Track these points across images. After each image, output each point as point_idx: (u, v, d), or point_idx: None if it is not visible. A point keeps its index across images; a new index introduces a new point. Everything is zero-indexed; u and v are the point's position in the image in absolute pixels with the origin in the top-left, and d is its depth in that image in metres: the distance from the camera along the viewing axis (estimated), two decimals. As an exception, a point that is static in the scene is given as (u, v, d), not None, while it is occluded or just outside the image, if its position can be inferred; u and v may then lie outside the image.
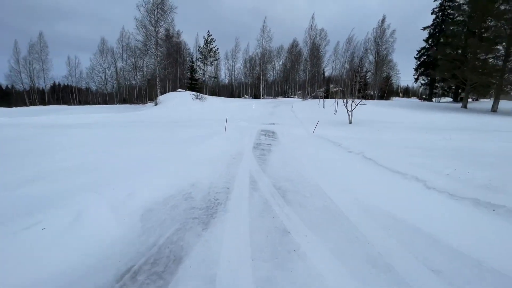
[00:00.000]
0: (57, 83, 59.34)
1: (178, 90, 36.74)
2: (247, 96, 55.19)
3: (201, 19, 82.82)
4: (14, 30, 76.34)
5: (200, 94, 33.02)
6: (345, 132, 10.83)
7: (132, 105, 40.78)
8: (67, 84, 58.48)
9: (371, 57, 58.78)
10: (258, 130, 12.17)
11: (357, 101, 14.91)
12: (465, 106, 27.35)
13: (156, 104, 31.62)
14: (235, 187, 4.11)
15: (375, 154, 5.83)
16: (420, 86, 50.51)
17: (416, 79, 51.17)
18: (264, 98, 51.75)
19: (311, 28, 53.74)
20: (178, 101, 30.48)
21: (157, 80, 38.06)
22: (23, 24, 75.86)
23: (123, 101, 54.99)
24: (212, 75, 54.29)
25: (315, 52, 57.60)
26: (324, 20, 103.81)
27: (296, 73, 63.46)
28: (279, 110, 23.99)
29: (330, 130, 11.48)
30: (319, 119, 16.15)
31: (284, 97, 55.34)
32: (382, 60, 57.37)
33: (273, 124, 15.13)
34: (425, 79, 47.35)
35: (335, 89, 59.54)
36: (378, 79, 57.77)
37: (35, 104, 48.52)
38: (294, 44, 59.97)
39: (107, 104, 51.80)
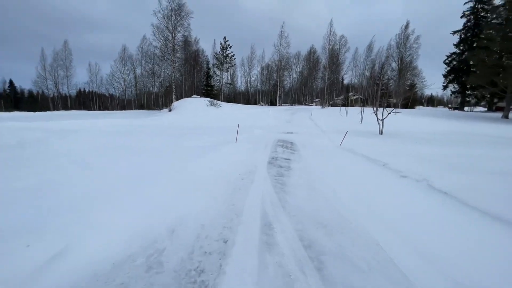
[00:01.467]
0: (80, 89, 61.28)
1: (193, 96, 36.15)
2: (263, 104, 53.97)
3: (220, 27, 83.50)
4: (42, 39, 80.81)
5: (215, 101, 32.10)
6: (380, 145, 9.01)
7: (148, 111, 40.71)
8: (89, 90, 60.21)
9: (394, 64, 56.00)
10: (274, 140, 10.61)
11: (388, 109, 12.97)
12: (506, 116, 24.32)
13: (170, 110, 31.05)
14: (238, 239, 2.55)
15: (451, 183, 4.01)
16: (451, 94, 46.93)
17: (445, 87, 47.68)
18: (281, 105, 50.27)
19: (330, 34, 52.06)
20: (192, 107, 29.70)
21: (173, 86, 37.77)
22: (51, 33, 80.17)
23: (141, 107, 55.66)
24: (228, 82, 53.72)
25: (334, 59, 55.66)
26: (344, 28, 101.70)
27: (314, 81, 61.66)
28: (297, 118, 22.31)
29: (360, 141, 9.69)
30: (343, 128, 14.35)
31: (301, 105, 53.58)
32: (406, 67, 54.36)
33: (291, 133, 13.51)
34: (455, 86, 43.85)
35: (354, 97, 57.08)
36: (402, 87, 54.68)
37: (58, 109, 49.96)
38: (312, 51, 58.41)
39: (125, 109, 52.50)
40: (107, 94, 59.90)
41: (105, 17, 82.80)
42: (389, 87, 61.18)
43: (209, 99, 32.71)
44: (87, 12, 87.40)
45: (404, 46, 53.69)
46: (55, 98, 54.64)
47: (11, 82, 59.51)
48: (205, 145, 9.04)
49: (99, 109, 55.99)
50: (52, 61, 51.75)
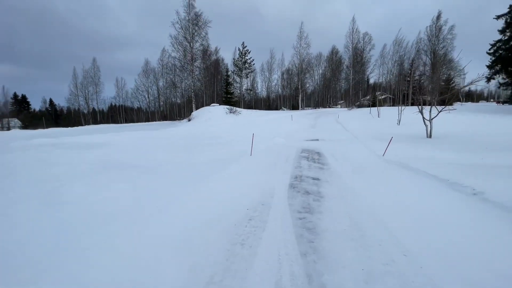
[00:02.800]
0: (108, 104, 64.20)
1: (212, 104, 35.49)
2: (285, 108, 52.16)
3: (240, 36, 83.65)
4: (75, 59, 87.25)
5: (234, 108, 31.03)
6: (438, 154, 6.90)
7: (170, 122, 40.85)
8: (115, 104, 62.77)
9: (425, 59, 51.41)
10: (297, 151, 8.88)
11: (438, 107, 10.63)
12: None
13: (189, 120, 30.54)
14: None
15: None
16: (499, 87, 41.61)
17: (489, 79, 42.32)
18: (303, 109, 48.10)
19: (353, 32, 49.19)
20: (211, 116, 28.85)
21: (193, 96, 37.53)
22: (83, 53, 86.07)
23: (164, 118, 56.70)
24: (248, 88, 52.81)
25: (358, 58, 52.42)
26: (368, 27, 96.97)
27: (337, 82, 58.69)
28: (322, 122, 20.26)
29: (408, 150, 7.64)
30: (379, 132, 12.18)
31: (325, 108, 50.95)
32: (440, 61, 49.55)
33: (317, 140, 11.66)
34: (504, 77, 38.61)
35: (382, 97, 53.22)
36: (436, 83, 49.75)
37: (89, 124, 52.37)
38: (334, 51, 55.69)
39: (149, 121, 53.72)
40: (133, 107, 62.08)
41: (132, 35, 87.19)
42: (422, 83, 56.40)
43: (228, 106, 31.74)
44: (116, 32, 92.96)
45: (437, 38, 49.13)
46: (86, 114, 57.57)
47: (51, 101, 63.97)
48: (214, 159, 7.61)
49: (126, 122, 57.91)
50: (82, 78, 54.73)
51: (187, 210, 3.49)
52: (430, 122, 10.03)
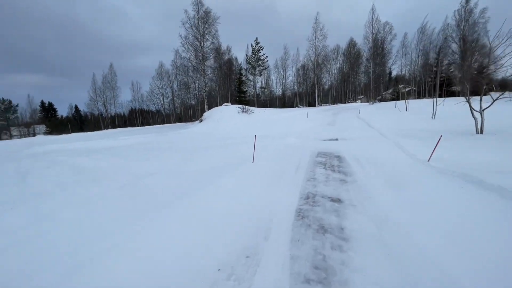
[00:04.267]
0: (125, 108, 65.43)
1: (224, 104, 34.34)
2: (301, 106, 50.00)
3: (255, 34, 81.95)
4: (98, 65, 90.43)
5: (247, 107, 29.66)
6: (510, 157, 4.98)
7: (182, 124, 40.35)
8: (134, 108, 63.80)
9: (454, 46, 46.90)
10: (312, 154, 7.23)
11: (494, 94, 8.49)
12: None
13: (201, 121, 29.60)
14: None
15: None
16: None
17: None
18: (320, 106, 45.71)
19: (372, 21, 45.89)
20: (223, 116, 27.68)
21: (204, 96, 36.64)
22: (102, 60, 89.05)
23: (179, 119, 56.77)
24: (262, 86, 51.20)
25: (379, 49, 48.90)
26: (388, 16, 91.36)
27: (356, 76, 55.48)
28: (342, 119, 18.25)
29: (461, 151, 5.75)
30: (410, 127, 10.20)
31: (344, 103, 48.19)
32: (471, 47, 44.84)
33: (336, 139, 9.89)
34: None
35: (406, 89, 49.50)
36: (467, 72, 45.29)
37: (107, 128, 53.43)
38: (352, 44, 52.56)
39: (164, 123, 53.92)
40: (149, 110, 62.80)
41: (149, 40, 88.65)
42: (450, 72, 51.87)
43: (240, 106, 30.42)
44: (134, 38, 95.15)
45: (467, 22, 44.55)
46: (104, 118, 58.87)
47: (76, 107, 66.35)
48: (208, 168, 6.19)
49: (142, 125, 58.58)
50: (100, 84, 55.96)
51: (114, 273, 2.04)
52: (481, 114, 7.95)
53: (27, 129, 55.38)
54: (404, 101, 19.83)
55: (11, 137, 52.03)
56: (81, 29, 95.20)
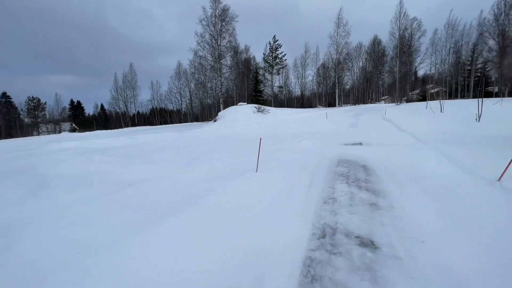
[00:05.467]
0: (146, 107, 66.76)
1: (239, 104, 33.41)
2: (320, 106, 48.00)
3: (274, 33, 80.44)
4: (118, 65, 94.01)
5: (262, 107, 28.51)
6: None
7: (198, 123, 40.04)
8: (153, 107, 64.91)
9: (491, 42, 42.53)
10: (331, 162, 5.94)
11: None
12: None
13: (215, 121, 28.90)
14: None
15: None
16: None
17: None
18: (341, 106, 43.49)
19: (400, 16, 42.85)
20: (237, 115, 26.75)
21: (220, 95, 35.98)
22: (123, 60, 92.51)
23: (196, 119, 56.87)
24: (280, 86, 49.75)
25: (405, 47, 45.58)
26: (415, 11, 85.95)
27: (380, 76, 52.41)
28: (365, 120, 16.53)
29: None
30: (453, 132, 8.53)
31: (366, 104, 45.55)
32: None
33: (360, 144, 8.45)
34: None
35: (435, 90, 45.95)
36: (507, 69, 41.06)
37: (128, 126, 54.65)
38: (376, 41, 49.62)
39: (182, 122, 54.20)
40: (168, 109, 63.59)
41: (169, 41, 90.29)
42: (487, 71, 47.45)
43: (256, 105, 29.32)
44: (156, 39, 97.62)
45: (507, 17, 40.20)
46: (125, 116, 60.29)
47: (101, 106, 68.81)
48: (206, 177, 5.13)
49: (160, 124, 59.33)
50: (121, 83, 57.32)
51: None
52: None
53: (54, 126, 58.01)
54: (438, 101, 17.67)
55: (39, 133, 54.80)
56: (109, 32, 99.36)
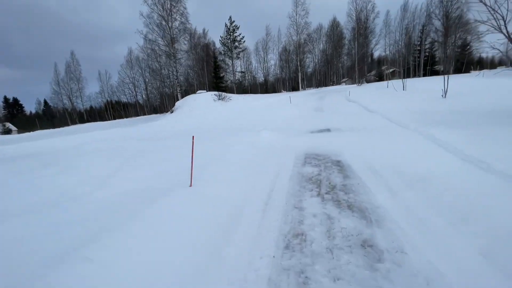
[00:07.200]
0: (96, 101, 59.66)
1: (198, 92, 30.82)
2: (284, 91, 47.11)
3: (234, 15, 75.96)
4: (62, 55, 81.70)
5: (223, 94, 26.46)
6: None
7: (154, 115, 36.58)
8: (102, 100, 58.23)
9: (437, 23, 44.80)
10: (296, 159, 4.51)
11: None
12: None
13: (172, 112, 26.21)
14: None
15: None
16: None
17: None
18: (304, 90, 43.05)
19: (356, -3, 42.69)
20: (196, 105, 24.41)
21: (177, 83, 32.85)
22: (68, 48, 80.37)
23: (155, 111, 52.44)
24: (241, 71, 47.44)
25: (361, 29, 46.00)
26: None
27: (339, 58, 52.87)
28: (331, 103, 15.59)
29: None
30: (425, 110, 7.72)
31: (328, 86, 45.76)
32: (454, 24, 42.97)
33: (329, 130, 7.21)
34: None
35: (390, 70, 47.78)
36: (451, 49, 43.89)
37: (75, 123, 48.30)
38: (335, 24, 49.49)
39: (138, 115, 49.55)
40: (121, 102, 57.64)
41: (121, 27, 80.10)
42: (434, 51, 50.37)
43: (216, 93, 27.14)
44: (106, 25, 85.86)
45: (450, -2, 42.12)
46: (72, 113, 53.43)
47: (45, 102, 59.56)
48: (126, 197, 3.35)
49: (113, 119, 53.75)
50: (64, 74, 49.93)
51: None
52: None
53: (-18, 128, 48.99)
54: (400, 80, 17.43)
55: (-40, 138, 45.81)
56: (47, 16, 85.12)
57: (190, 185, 3.52)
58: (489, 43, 5.79)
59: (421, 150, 3.98)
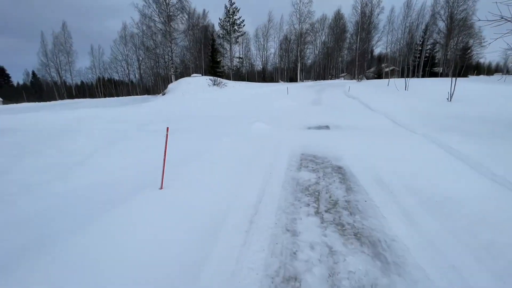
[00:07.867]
0: (83, 75, 57.11)
1: (193, 75, 29.60)
2: (282, 81, 46.05)
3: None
4: (54, 24, 77.04)
5: (219, 79, 25.39)
6: None
7: (146, 96, 35.18)
8: (92, 76, 55.76)
9: (441, 24, 44.07)
10: (289, 161, 3.89)
11: None
12: None
13: (163, 94, 25.08)
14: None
15: None
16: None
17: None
18: (302, 81, 42.14)
19: (362, -10, 41.40)
20: (189, 88, 23.34)
21: (170, 64, 31.45)
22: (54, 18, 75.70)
23: (147, 91, 50.66)
24: (239, 56, 45.86)
25: (365, 24, 44.94)
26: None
27: (340, 52, 51.78)
28: (329, 97, 14.93)
29: None
30: (431, 113, 7.17)
31: (327, 80, 44.96)
32: (458, 27, 42.36)
33: (328, 128, 6.61)
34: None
35: (389, 69, 47.18)
36: (452, 52, 43.49)
37: (63, 98, 46.23)
38: (338, 16, 48.09)
39: (130, 95, 47.77)
40: (114, 80, 55.40)
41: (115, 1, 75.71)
42: (435, 53, 49.73)
43: (211, 77, 26.03)
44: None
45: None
46: (60, 87, 51.01)
47: (33, 74, 56.41)
48: (90, 191, 2.67)
49: (104, 96, 51.76)
50: (52, 46, 47.13)
51: None
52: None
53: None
54: (402, 79, 16.84)
55: None
56: None
57: (161, 188, 2.87)
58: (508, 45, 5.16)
59: (437, 163, 3.41)
